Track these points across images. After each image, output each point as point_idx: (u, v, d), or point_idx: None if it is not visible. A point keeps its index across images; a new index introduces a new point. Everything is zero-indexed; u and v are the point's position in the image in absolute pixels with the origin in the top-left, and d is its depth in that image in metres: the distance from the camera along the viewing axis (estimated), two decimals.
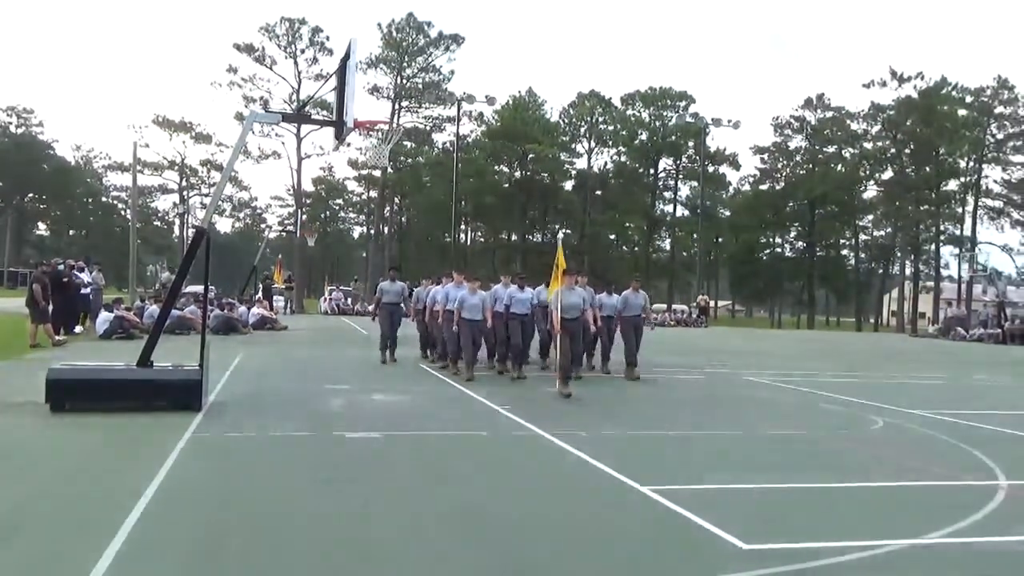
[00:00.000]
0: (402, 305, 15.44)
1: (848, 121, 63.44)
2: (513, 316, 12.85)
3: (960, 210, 61.40)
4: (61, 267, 19.24)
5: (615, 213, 65.48)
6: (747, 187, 70.25)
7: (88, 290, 20.37)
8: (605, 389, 12.29)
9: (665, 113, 64.61)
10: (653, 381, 13.39)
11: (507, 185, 64.30)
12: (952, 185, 61.05)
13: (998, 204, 61.63)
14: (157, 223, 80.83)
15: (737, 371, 15.77)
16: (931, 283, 61.68)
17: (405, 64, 56.54)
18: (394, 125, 45.66)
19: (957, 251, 59.60)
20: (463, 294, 12.73)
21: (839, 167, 63.98)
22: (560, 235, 12.74)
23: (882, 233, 66.62)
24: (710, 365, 16.93)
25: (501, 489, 5.84)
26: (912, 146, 60.29)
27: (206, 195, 69.76)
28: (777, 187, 66.34)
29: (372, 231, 67.28)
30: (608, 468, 6.43)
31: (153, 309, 19.03)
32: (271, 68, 53.66)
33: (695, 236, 59.97)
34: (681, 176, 67.34)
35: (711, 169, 63.33)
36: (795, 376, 15.06)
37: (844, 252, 67.94)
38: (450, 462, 6.69)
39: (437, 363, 14.20)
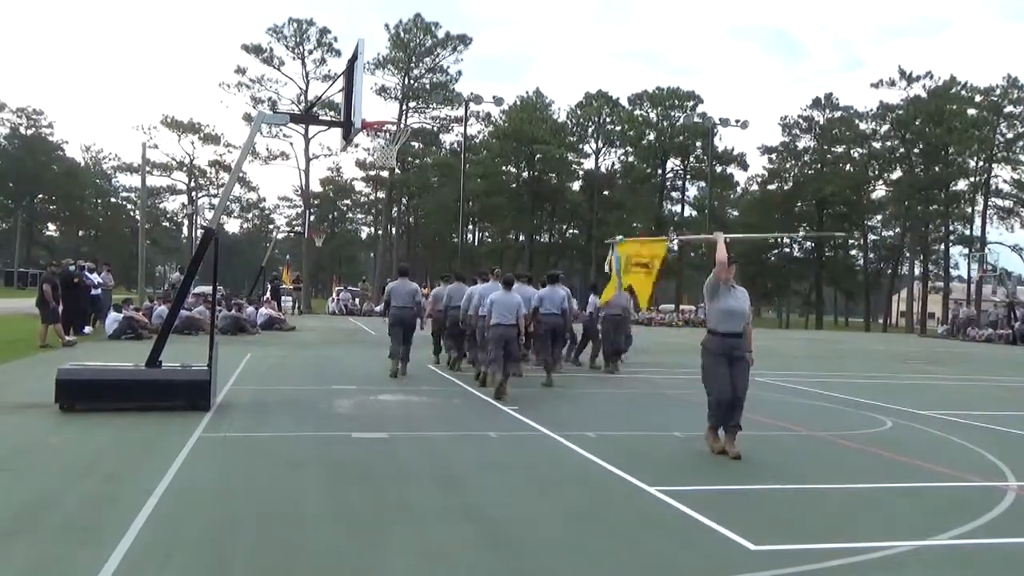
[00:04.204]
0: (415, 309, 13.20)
1: (857, 121, 63.24)
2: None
3: (969, 210, 61.17)
4: (71, 268, 19.35)
5: (623, 213, 65.38)
6: (755, 187, 70.10)
7: (98, 291, 20.48)
8: (612, 390, 12.29)
9: (673, 113, 64.41)
10: (660, 382, 13.37)
11: (515, 185, 64.31)
12: (961, 185, 60.79)
13: (1008, 204, 61.35)
14: (166, 224, 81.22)
15: None
16: (940, 283, 61.38)
17: (412, 65, 56.57)
18: (402, 126, 45.73)
19: (967, 251, 59.40)
20: (544, 292, 12.98)
21: (848, 167, 63.74)
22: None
23: (891, 233, 66.41)
24: None
25: (508, 490, 5.84)
26: (921, 146, 60.02)
27: (215, 196, 70.03)
28: (785, 187, 66.10)
29: (380, 232, 67.37)
30: (616, 469, 6.43)
31: (162, 310, 19.09)
32: (279, 69, 53.82)
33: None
34: (689, 176, 67.23)
35: (719, 169, 63.11)
36: (803, 376, 15.01)
37: (853, 252, 67.71)
38: (457, 462, 6.69)
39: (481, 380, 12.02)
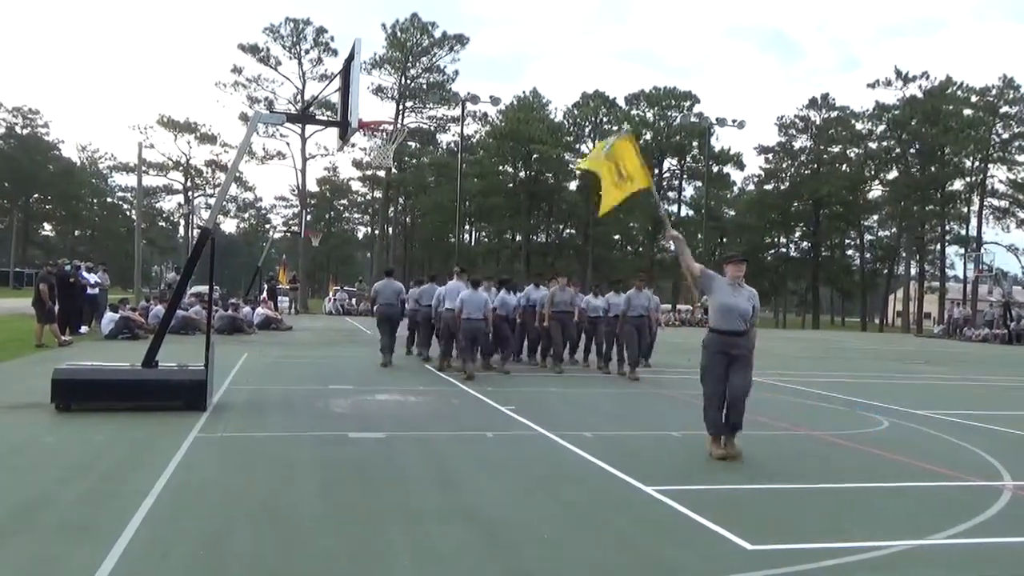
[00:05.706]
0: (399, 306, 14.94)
1: (853, 121, 63.33)
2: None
3: (965, 210, 61.35)
4: (67, 267, 19.33)
5: (619, 213, 65.32)
6: (752, 187, 70.17)
7: (95, 290, 20.45)
8: (609, 390, 12.30)
9: (669, 113, 64.42)
10: (658, 381, 13.38)
11: (511, 185, 64.27)
12: (957, 185, 60.92)
13: (1004, 204, 61.50)
14: (162, 224, 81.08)
15: None
16: (936, 283, 61.53)
17: (409, 64, 56.57)
18: (398, 125, 45.70)
19: (962, 251, 59.48)
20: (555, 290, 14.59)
21: (844, 167, 63.81)
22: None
23: (887, 233, 66.56)
24: None
25: (505, 489, 5.84)
26: (917, 146, 60.16)
27: (211, 196, 69.88)
28: (782, 187, 66.17)
29: (376, 231, 67.37)
30: (613, 469, 6.43)
31: (158, 309, 19.07)
32: (276, 69, 53.76)
33: (700, 236, 59.86)
34: (686, 176, 67.18)
35: (716, 169, 63.07)
36: (799, 376, 15.03)
37: (849, 252, 67.83)
38: (454, 462, 6.69)
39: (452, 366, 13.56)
